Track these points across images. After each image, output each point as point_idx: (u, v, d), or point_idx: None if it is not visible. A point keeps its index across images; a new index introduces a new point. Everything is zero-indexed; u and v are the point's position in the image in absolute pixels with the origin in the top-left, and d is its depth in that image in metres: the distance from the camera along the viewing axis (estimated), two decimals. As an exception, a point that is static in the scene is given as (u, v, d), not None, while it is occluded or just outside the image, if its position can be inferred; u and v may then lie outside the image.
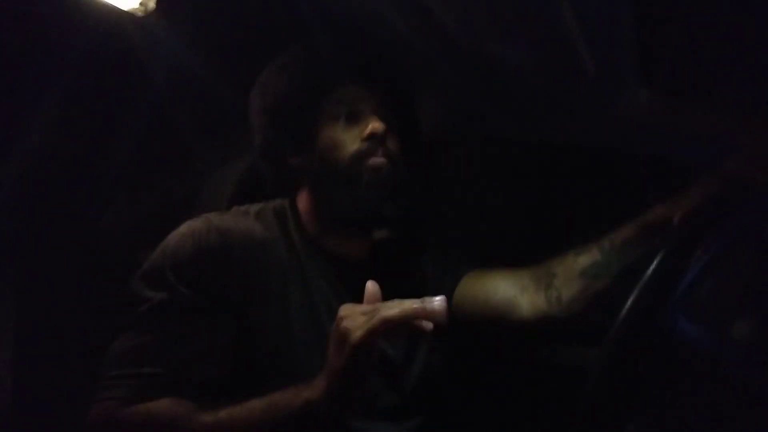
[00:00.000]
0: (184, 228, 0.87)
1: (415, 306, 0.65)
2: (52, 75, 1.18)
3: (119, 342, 0.80)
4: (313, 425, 0.71)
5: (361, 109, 0.92)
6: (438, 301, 0.65)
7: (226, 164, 1.43)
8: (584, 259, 0.90)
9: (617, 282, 0.86)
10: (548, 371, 1.12)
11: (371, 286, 0.71)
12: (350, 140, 0.90)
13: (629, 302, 0.65)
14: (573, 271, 0.90)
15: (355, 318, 0.66)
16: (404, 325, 0.65)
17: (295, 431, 0.72)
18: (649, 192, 0.96)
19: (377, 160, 0.89)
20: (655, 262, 0.66)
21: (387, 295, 0.96)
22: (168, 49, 1.10)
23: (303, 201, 0.95)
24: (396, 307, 0.65)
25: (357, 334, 0.65)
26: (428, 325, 0.66)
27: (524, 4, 0.85)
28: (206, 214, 0.90)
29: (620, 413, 0.68)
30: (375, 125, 0.89)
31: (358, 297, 0.92)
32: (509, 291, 0.97)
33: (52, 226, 1.52)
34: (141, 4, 0.98)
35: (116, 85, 1.25)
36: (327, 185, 0.91)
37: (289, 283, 0.87)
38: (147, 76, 1.19)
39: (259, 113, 0.95)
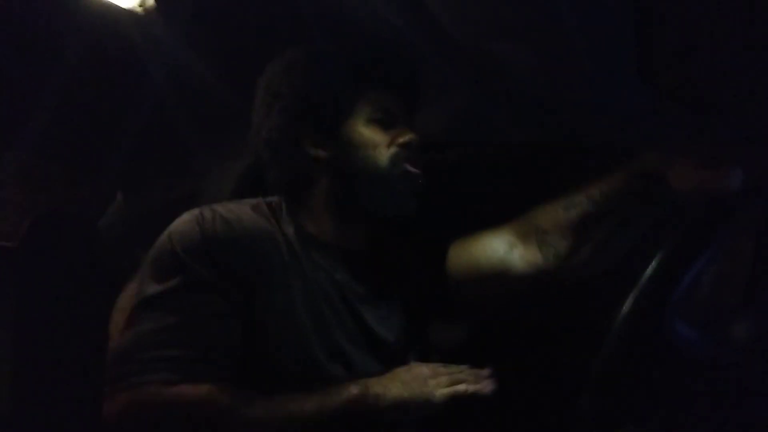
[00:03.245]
0: (189, 215, 0.87)
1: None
2: (51, 72, 1.19)
3: (135, 327, 0.80)
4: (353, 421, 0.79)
5: (396, 117, 0.94)
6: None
7: (225, 163, 1.43)
8: (575, 212, 0.90)
9: (613, 232, 0.86)
10: (548, 373, 1.12)
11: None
12: (386, 143, 0.92)
13: (628, 304, 0.65)
14: (565, 225, 0.91)
15: (439, 380, 0.83)
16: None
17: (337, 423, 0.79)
18: None
19: (414, 170, 0.92)
20: (653, 264, 0.66)
21: (384, 282, 0.97)
22: (167, 47, 1.10)
23: (315, 194, 0.95)
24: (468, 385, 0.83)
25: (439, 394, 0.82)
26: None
27: (525, 4, 0.85)
28: (209, 204, 0.91)
29: (620, 414, 0.68)
30: (413, 136, 0.92)
31: (356, 286, 0.92)
32: (498, 250, 0.97)
33: (52, 224, 1.51)
34: (141, 2, 0.99)
35: (116, 83, 1.25)
36: (357, 181, 0.92)
37: (288, 273, 0.87)
38: (146, 74, 1.19)
39: (281, 97, 0.92)
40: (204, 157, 1.48)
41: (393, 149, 0.92)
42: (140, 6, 0.99)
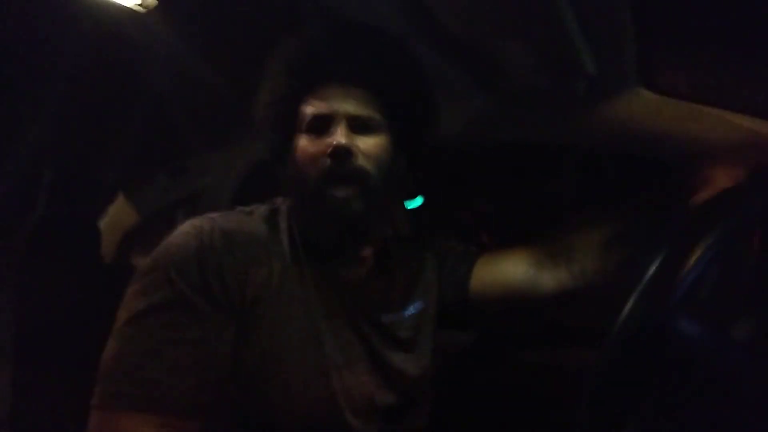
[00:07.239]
0: (188, 227, 0.85)
1: None
2: (52, 72, 1.19)
3: (119, 342, 0.78)
4: None
5: (331, 119, 0.85)
6: None
7: (226, 163, 1.43)
8: (601, 229, 0.89)
9: (641, 249, 0.84)
10: (548, 373, 1.12)
11: None
12: (318, 153, 0.84)
13: (630, 303, 0.65)
14: (593, 243, 0.90)
15: None
16: None
17: None
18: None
19: (341, 192, 0.83)
20: (655, 263, 0.66)
21: (396, 289, 0.96)
22: (169, 46, 1.10)
23: None
24: None
25: None
26: None
27: (525, 4, 0.85)
28: (210, 214, 0.89)
29: (620, 415, 0.68)
30: (336, 141, 0.82)
31: (358, 293, 0.91)
32: (527, 270, 0.96)
33: (52, 225, 1.51)
34: (142, 1, 0.98)
35: (116, 83, 1.24)
36: (296, 201, 0.91)
37: (289, 283, 0.86)
38: (147, 73, 1.19)
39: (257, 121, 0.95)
40: (205, 157, 1.48)
41: (321, 163, 0.83)
42: (141, 5, 0.99)
